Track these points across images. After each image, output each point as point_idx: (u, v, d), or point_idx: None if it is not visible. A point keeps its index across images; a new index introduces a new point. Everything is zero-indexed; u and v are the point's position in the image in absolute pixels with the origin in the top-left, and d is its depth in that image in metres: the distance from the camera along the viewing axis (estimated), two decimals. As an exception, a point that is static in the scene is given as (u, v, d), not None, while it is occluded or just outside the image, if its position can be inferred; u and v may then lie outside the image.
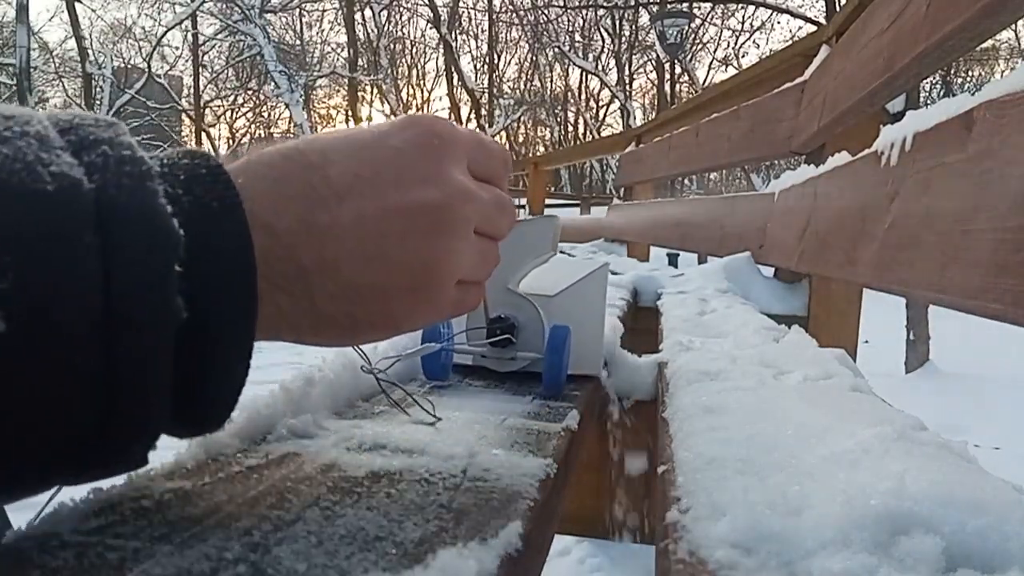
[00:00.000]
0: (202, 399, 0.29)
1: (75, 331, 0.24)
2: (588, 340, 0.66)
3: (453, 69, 19.09)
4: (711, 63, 20.01)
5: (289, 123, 18.41)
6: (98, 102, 16.55)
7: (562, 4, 17.19)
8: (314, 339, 0.34)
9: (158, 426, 0.28)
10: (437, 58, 22.30)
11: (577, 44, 21.14)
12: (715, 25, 18.87)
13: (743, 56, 18.74)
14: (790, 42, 2.84)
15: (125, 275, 0.25)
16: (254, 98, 22.90)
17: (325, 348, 0.40)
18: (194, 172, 0.29)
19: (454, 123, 0.37)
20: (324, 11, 20.98)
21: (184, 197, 0.28)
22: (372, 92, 21.79)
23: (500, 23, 21.48)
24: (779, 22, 18.94)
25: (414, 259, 0.34)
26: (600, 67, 20.96)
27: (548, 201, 7.24)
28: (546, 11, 18.97)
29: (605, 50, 21.19)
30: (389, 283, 0.34)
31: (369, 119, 22.00)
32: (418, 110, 23.35)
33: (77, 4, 15.95)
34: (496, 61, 22.30)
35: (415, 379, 0.63)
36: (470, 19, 21.85)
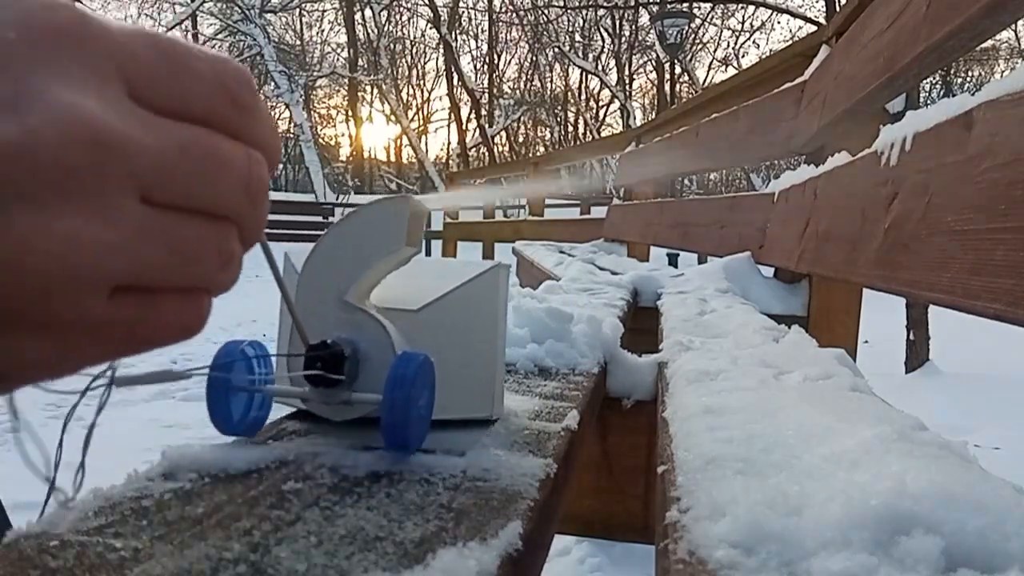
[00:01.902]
0: None
1: None
2: (473, 369, 0.50)
3: (453, 69, 19.08)
4: (711, 63, 20.07)
5: (289, 123, 18.43)
6: (98, 102, 16.53)
7: (562, 4, 17.19)
8: None
9: None
10: (437, 58, 22.31)
11: (577, 44, 21.17)
12: (715, 25, 18.95)
13: (743, 56, 18.78)
14: (790, 42, 2.83)
15: None
16: (254, 98, 22.82)
17: None
18: None
19: (106, 17, 0.22)
20: (324, 11, 21.03)
21: None
22: (372, 92, 21.79)
23: (500, 23, 21.51)
24: (779, 22, 18.99)
25: None
26: (600, 67, 20.99)
27: (548, 201, 7.24)
28: (546, 11, 18.98)
29: (605, 50, 21.24)
30: None
31: (370, 119, 22.00)
32: (418, 110, 23.34)
33: (77, 4, 15.93)
34: (496, 61, 22.32)
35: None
36: (470, 19, 21.89)
